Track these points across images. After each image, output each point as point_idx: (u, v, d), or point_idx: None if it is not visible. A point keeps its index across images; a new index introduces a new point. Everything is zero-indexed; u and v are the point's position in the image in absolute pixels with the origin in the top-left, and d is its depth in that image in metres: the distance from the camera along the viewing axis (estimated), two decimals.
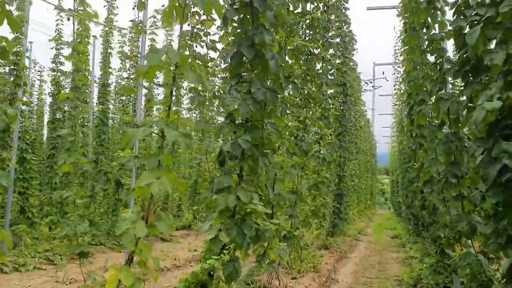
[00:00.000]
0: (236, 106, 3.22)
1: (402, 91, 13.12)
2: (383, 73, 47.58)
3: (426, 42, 4.71)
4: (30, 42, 12.72)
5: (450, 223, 3.98)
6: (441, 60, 4.44)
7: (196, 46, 6.23)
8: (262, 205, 3.24)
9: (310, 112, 6.32)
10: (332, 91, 8.62)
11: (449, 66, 4.18)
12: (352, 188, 13.01)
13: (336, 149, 9.58)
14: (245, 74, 3.68)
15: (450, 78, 4.26)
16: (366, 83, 33.99)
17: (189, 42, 6.01)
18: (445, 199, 4.41)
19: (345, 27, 10.42)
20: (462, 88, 3.33)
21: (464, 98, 3.40)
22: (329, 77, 7.62)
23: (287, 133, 5.17)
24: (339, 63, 9.82)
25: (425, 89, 4.88)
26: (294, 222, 5.52)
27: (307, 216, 6.64)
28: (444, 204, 4.44)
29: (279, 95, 4.21)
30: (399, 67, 14.56)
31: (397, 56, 12.75)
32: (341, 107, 9.91)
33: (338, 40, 9.81)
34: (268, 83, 3.78)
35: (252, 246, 3.59)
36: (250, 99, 3.32)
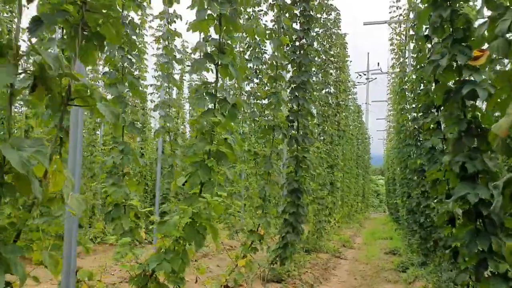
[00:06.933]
0: None
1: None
2: (378, 64, 44.19)
3: None
4: None
5: None
6: None
7: None
8: None
9: None
10: None
11: None
12: (330, 184, 8.93)
13: (290, 110, 5.35)
14: None
15: None
16: (360, 75, 30.29)
17: None
18: None
19: None
20: None
21: None
22: None
23: None
24: None
25: None
26: None
27: (175, 241, 2.56)
28: None
29: None
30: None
31: None
32: (300, 35, 5.59)
33: None
34: None
35: None
36: None
